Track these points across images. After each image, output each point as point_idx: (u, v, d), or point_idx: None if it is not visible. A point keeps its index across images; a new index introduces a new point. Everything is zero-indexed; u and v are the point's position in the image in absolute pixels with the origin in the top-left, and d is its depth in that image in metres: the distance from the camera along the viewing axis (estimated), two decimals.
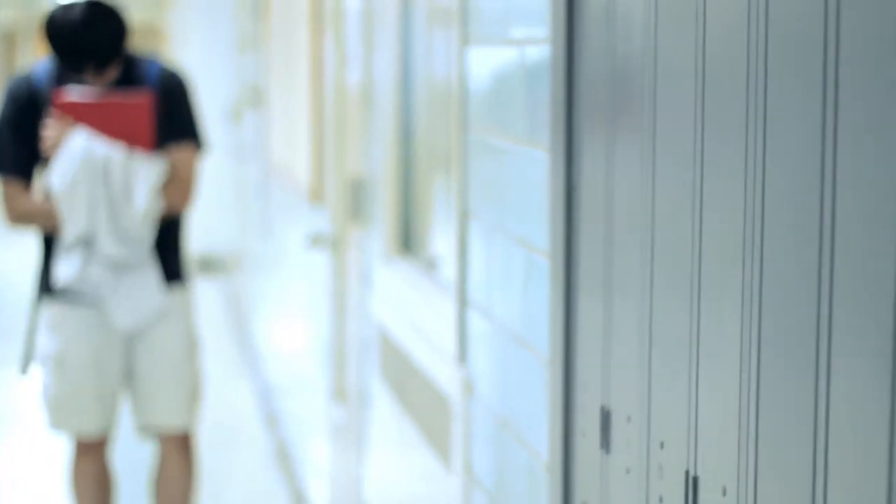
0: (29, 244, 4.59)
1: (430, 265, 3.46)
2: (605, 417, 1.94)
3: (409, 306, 3.49)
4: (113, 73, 4.25)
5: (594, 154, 2.00)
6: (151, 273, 4.28)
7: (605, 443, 1.93)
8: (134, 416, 4.50)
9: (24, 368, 4.46)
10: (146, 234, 4.24)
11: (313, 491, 5.45)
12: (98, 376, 4.34)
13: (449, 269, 3.05)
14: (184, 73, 4.49)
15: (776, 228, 1.41)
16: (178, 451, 4.49)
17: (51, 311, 4.34)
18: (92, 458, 4.48)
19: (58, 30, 4.15)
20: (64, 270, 4.21)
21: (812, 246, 1.33)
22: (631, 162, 1.84)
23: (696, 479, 1.61)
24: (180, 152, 4.35)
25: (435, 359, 3.10)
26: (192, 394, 4.47)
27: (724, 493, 1.53)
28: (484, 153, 2.68)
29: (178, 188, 4.33)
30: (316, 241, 4.77)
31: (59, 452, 6.49)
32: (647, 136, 1.78)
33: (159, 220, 4.34)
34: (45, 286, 4.34)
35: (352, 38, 4.38)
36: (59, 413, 4.38)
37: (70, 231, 4.17)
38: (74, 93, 4.20)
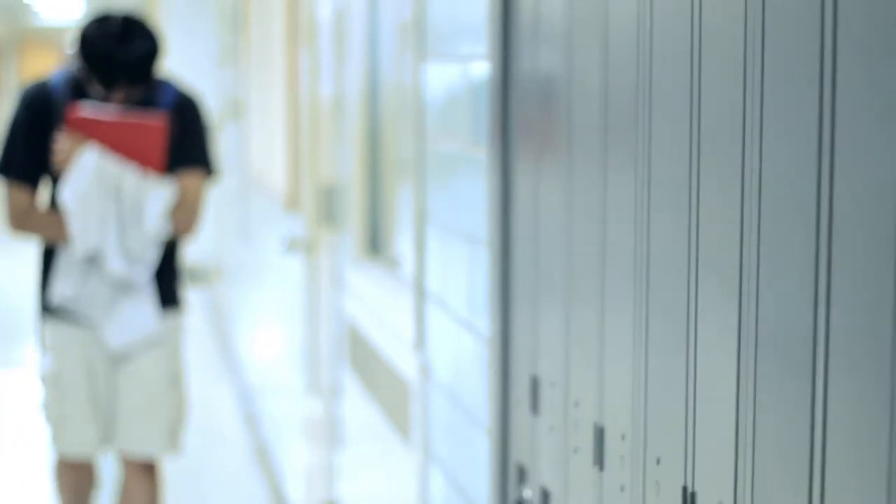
0: (28, 249, 4.59)
1: (394, 264, 3.75)
2: (534, 385, 2.23)
3: (375, 303, 3.79)
4: (139, 91, 4.22)
5: (526, 157, 2.30)
6: (148, 297, 4.27)
7: (535, 406, 2.23)
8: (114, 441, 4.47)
9: None
10: (152, 256, 4.25)
11: (290, 485, 5.74)
12: (92, 397, 4.33)
13: (410, 267, 3.35)
14: (199, 99, 4.49)
15: (659, 229, 1.71)
16: (141, 479, 4.45)
17: (48, 328, 4.34)
18: (78, 464, 4.49)
19: (93, 42, 4.12)
20: (62, 288, 4.21)
21: (682, 248, 1.63)
22: (554, 164, 2.14)
23: (602, 430, 1.91)
24: (190, 178, 4.32)
25: (397, 348, 3.40)
26: (174, 423, 4.43)
27: (623, 439, 1.83)
28: (439, 160, 2.98)
29: (184, 213, 4.30)
30: (292, 244, 5.07)
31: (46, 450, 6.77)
32: (564, 146, 2.08)
33: (162, 244, 4.33)
34: (43, 303, 4.33)
35: (324, 53, 4.68)
36: (55, 431, 4.39)
37: (79, 246, 4.17)
38: (89, 109, 4.18)
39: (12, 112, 4.27)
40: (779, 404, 1.39)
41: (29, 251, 4.54)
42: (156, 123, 4.18)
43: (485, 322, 2.54)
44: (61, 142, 4.15)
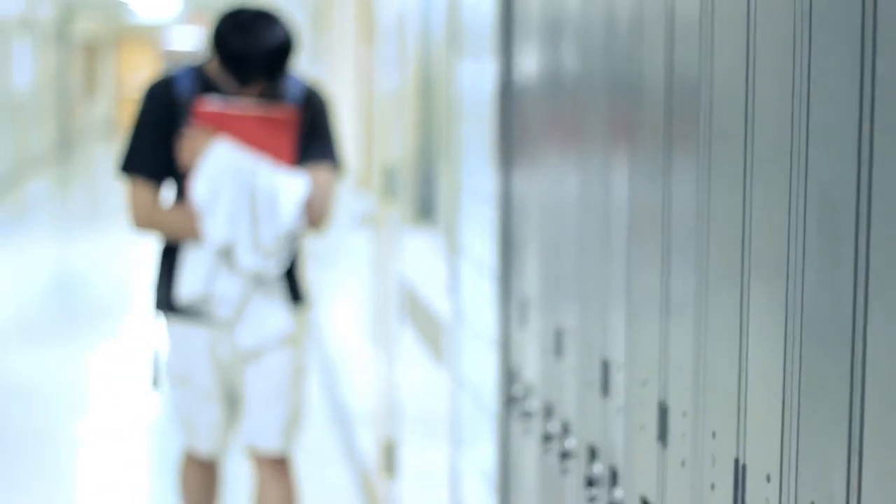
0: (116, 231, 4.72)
1: (438, 227, 4.48)
2: (524, 305, 2.94)
3: (423, 261, 4.53)
4: (274, 86, 4.17)
5: (520, 135, 3.01)
6: (279, 294, 4.20)
7: (523, 321, 2.94)
8: (239, 436, 4.43)
9: (154, 383, 4.39)
10: (285, 251, 4.18)
11: (360, 432, 6.48)
12: (220, 396, 4.30)
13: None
14: (326, 92, 4.40)
15: (589, 218, 2.40)
16: (276, 475, 4.37)
17: (173, 327, 4.26)
18: (203, 463, 4.47)
19: (229, 38, 4.05)
20: (189, 286, 4.13)
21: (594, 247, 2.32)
22: (535, 145, 2.84)
23: (560, 331, 2.60)
24: (320, 171, 4.21)
25: (438, 295, 4.12)
26: (293, 418, 4.34)
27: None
28: (469, 142, 3.69)
29: (317, 206, 4.20)
30: (365, 220, 5.84)
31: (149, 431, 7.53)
32: (542, 135, 2.78)
33: (294, 239, 4.23)
34: (166, 302, 4.25)
35: (387, 52, 5.42)
36: (186, 429, 4.38)
37: (211, 241, 4.09)
38: (217, 103, 4.12)
39: (137, 109, 4.24)
40: None
41: (118, 233, 4.71)
42: (286, 116, 4.14)
43: (494, 262, 3.26)
44: (190, 136, 4.11)
